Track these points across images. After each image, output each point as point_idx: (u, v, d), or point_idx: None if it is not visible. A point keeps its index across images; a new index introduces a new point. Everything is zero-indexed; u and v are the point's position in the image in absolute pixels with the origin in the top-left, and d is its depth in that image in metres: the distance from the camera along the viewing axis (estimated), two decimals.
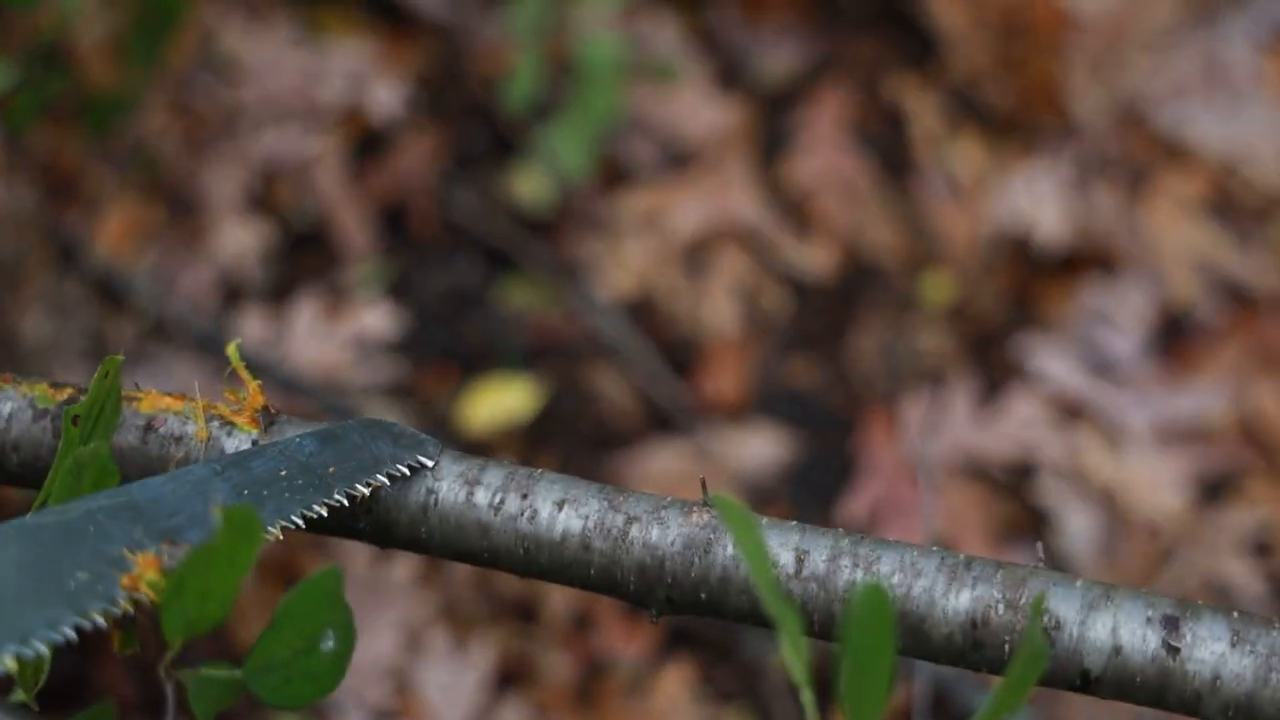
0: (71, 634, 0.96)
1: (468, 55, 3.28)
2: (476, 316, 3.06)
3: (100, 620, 0.98)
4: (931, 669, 2.37)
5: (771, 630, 1.13)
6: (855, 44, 3.36)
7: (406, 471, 1.15)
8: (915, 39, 3.35)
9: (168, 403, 1.24)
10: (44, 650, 0.95)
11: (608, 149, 3.18)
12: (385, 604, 2.63)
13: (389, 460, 1.14)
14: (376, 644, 2.60)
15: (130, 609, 1.00)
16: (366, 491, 1.13)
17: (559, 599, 2.74)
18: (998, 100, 3.26)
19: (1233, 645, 1.07)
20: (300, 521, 1.09)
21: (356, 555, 2.65)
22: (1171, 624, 1.09)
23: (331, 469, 1.12)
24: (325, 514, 1.11)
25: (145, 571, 1.00)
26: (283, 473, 1.11)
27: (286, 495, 1.10)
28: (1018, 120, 3.24)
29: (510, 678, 2.69)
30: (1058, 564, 2.65)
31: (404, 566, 2.70)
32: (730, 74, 3.32)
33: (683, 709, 2.63)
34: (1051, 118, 3.22)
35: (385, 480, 1.14)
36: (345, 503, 1.12)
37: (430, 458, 1.15)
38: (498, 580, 2.74)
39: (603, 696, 2.68)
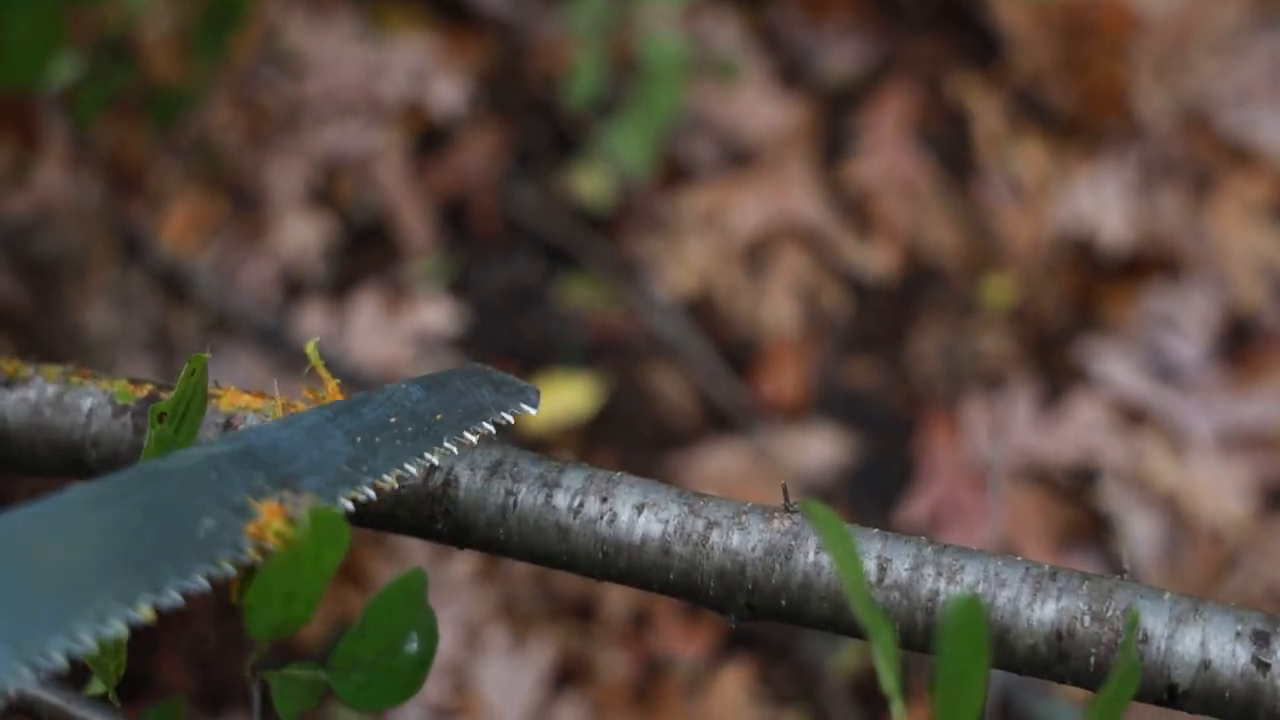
0: (204, 583, 0.96)
1: (529, 52, 3.29)
2: (536, 314, 3.06)
3: (230, 569, 0.98)
4: (998, 674, 2.36)
5: (840, 636, 1.13)
6: (917, 44, 3.35)
7: (511, 420, 1.15)
8: (978, 39, 3.33)
9: (247, 400, 1.24)
10: (178, 599, 0.95)
11: (668, 147, 3.18)
12: (444, 600, 2.63)
13: (493, 408, 1.15)
14: None
15: (258, 557, 0.99)
16: (474, 440, 1.13)
17: (618, 598, 2.74)
18: (1061, 101, 3.24)
19: None
20: (412, 471, 1.09)
21: (415, 551, 2.66)
22: (1262, 639, 1.08)
23: (439, 416, 1.12)
24: (437, 462, 1.11)
25: (271, 520, 1.00)
26: (392, 419, 1.10)
27: (398, 443, 1.09)
28: (1081, 122, 3.22)
29: (568, 676, 2.69)
30: (1118, 570, 2.64)
31: (463, 563, 2.70)
32: (791, 73, 3.31)
33: (741, 710, 2.62)
34: (1116, 119, 3.20)
35: (491, 428, 1.14)
36: (455, 450, 1.11)
37: (533, 406, 1.16)
38: (556, 578, 2.74)
39: (660, 696, 2.67)
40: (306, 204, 3.04)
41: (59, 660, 0.90)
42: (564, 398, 2.92)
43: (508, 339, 3.03)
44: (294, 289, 3.00)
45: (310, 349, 1.22)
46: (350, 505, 1.05)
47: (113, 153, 2.94)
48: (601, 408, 2.95)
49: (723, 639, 2.73)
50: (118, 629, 0.92)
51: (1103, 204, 3.09)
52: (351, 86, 3.12)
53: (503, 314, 3.06)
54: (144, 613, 0.93)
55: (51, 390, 1.27)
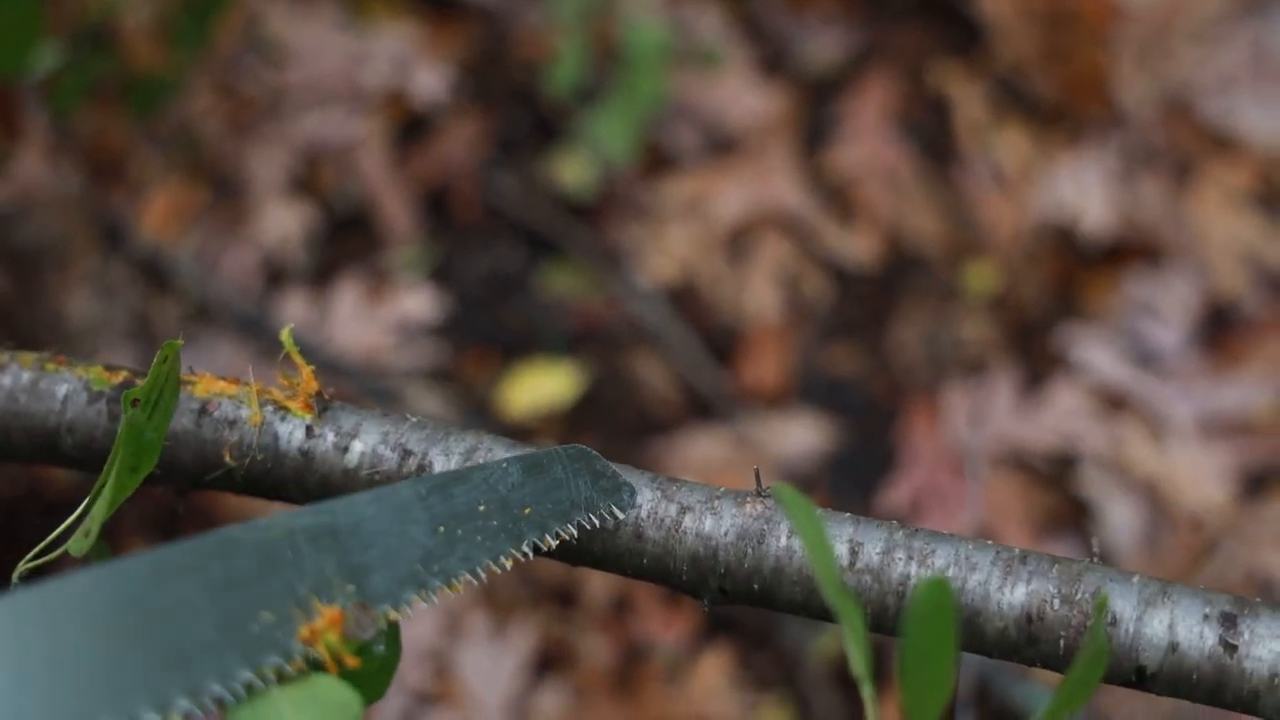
0: (241, 691, 0.93)
1: (511, 40, 3.29)
2: (518, 301, 3.07)
3: (272, 678, 0.95)
4: (974, 658, 2.37)
5: (816, 620, 1.13)
6: (900, 32, 3.35)
7: (596, 524, 1.13)
8: (960, 28, 3.34)
9: (222, 387, 1.24)
10: (211, 709, 0.92)
11: (650, 135, 3.18)
12: None
13: (583, 506, 1.12)
14: (417, 628, 2.61)
15: (302, 668, 0.96)
16: (554, 544, 1.10)
17: (598, 584, 2.74)
18: (1043, 90, 3.25)
19: None
20: (482, 576, 1.06)
21: None
22: (1229, 621, 1.08)
23: (527, 510, 1.09)
24: (507, 567, 1.08)
25: (327, 629, 0.97)
26: (481, 507, 1.08)
27: (478, 538, 1.06)
28: (1063, 110, 3.23)
29: (549, 662, 2.70)
30: (1099, 556, 2.65)
31: None
32: (774, 61, 3.32)
33: (721, 696, 2.63)
34: (1097, 108, 3.21)
35: (573, 533, 1.11)
36: (529, 555, 1.09)
37: (623, 509, 1.14)
38: (538, 565, 2.74)
39: (641, 682, 2.68)
40: (288, 192, 3.04)
41: None
42: (545, 385, 2.93)
43: (489, 327, 3.04)
44: (275, 277, 3.00)
45: (285, 336, 1.22)
46: (410, 612, 1.03)
47: (93, 141, 2.94)
48: (583, 395, 2.95)
49: (703, 625, 2.74)
50: None
51: (1084, 191, 3.10)
52: (333, 75, 3.12)
53: (484, 302, 3.06)
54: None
55: (26, 377, 1.26)
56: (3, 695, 0.86)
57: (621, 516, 1.13)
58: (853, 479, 2.88)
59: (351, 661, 0.97)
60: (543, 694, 2.63)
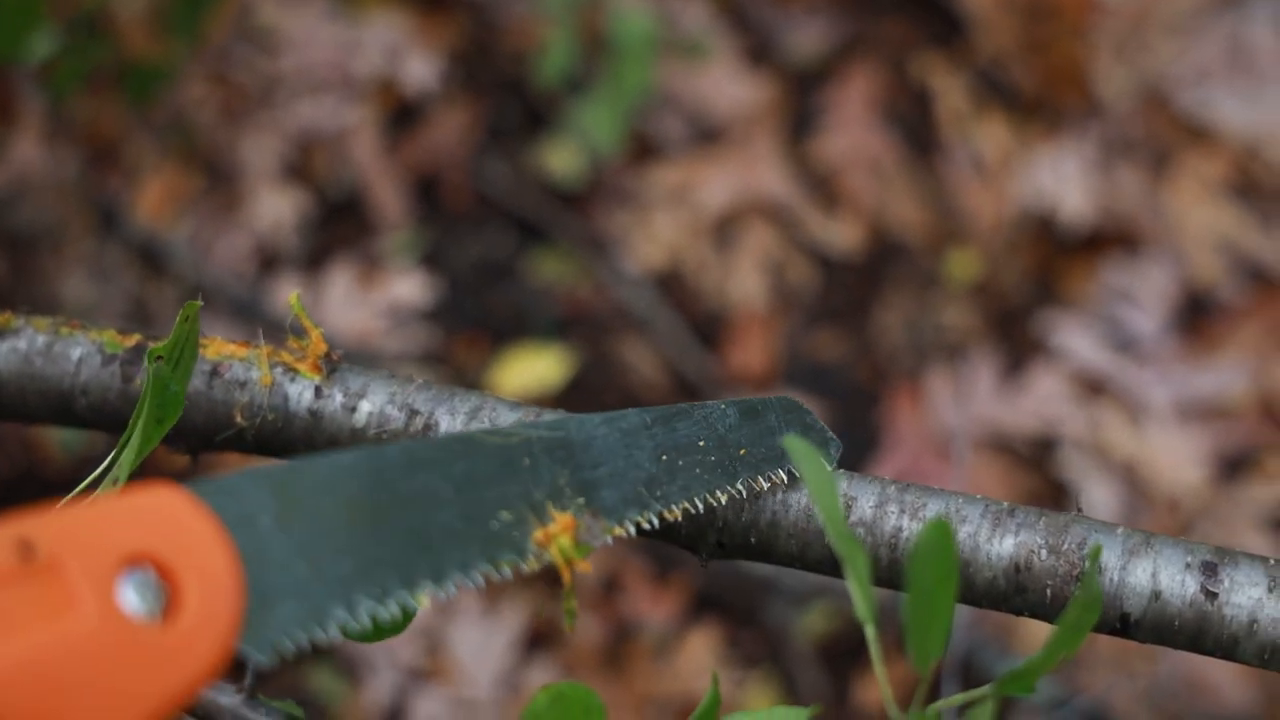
0: (480, 581, 0.97)
1: (500, 30, 3.32)
2: (507, 287, 3.10)
3: (508, 572, 0.98)
4: (959, 634, 2.41)
5: (792, 589, 1.16)
6: (883, 24, 3.39)
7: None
8: (942, 20, 3.38)
9: (233, 349, 1.27)
10: (453, 594, 0.95)
11: (638, 124, 3.21)
12: None
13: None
14: None
15: (536, 567, 1.00)
16: (766, 486, 1.14)
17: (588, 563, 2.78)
18: (1023, 81, 3.28)
19: (1270, 590, 1.10)
20: (699, 505, 1.10)
21: None
22: (1210, 570, 1.11)
23: (743, 451, 1.13)
24: (723, 501, 1.11)
25: (560, 534, 1.01)
26: (700, 443, 1.11)
27: (697, 471, 1.10)
28: (1043, 101, 3.27)
29: (539, 640, 2.73)
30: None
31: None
32: (759, 51, 3.35)
33: (708, 673, 2.66)
34: (1076, 99, 3.25)
35: (785, 478, 1.15)
36: (743, 494, 1.13)
37: (830, 463, 1.17)
38: None
39: (630, 659, 2.72)
40: (281, 179, 3.06)
41: (334, 632, 0.90)
42: (534, 369, 2.96)
43: (479, 312, 3.07)
44: (268, 262, 3.03)
45: (293, 299, 1.26)
46: (633, 530, 1.06)
47: (89, 127, 2.96)
48: (572, 379, 2.98)
49: (691, 603, 2.77)
50: (393, 613, 0.92)
51: (1063, 181, 3.13)
52: (325, 63, 3.15)
53: (474, 288, 3.09)
54: (421, 602, 0.94)
55: (41, 340, 1.29)
56: (273, 557, 0.89)
57: (830, 469, 1.16)
58: (838, 462, 2.92)
59: (583, 566, 1.01)
60: (533, 671, 2.67)
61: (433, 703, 2.63)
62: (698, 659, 2.68)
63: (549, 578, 2.79)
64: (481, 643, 2.65)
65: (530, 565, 0.99)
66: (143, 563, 0.82)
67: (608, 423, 1.08)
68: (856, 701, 2.71)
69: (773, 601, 2.73)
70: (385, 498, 0.95)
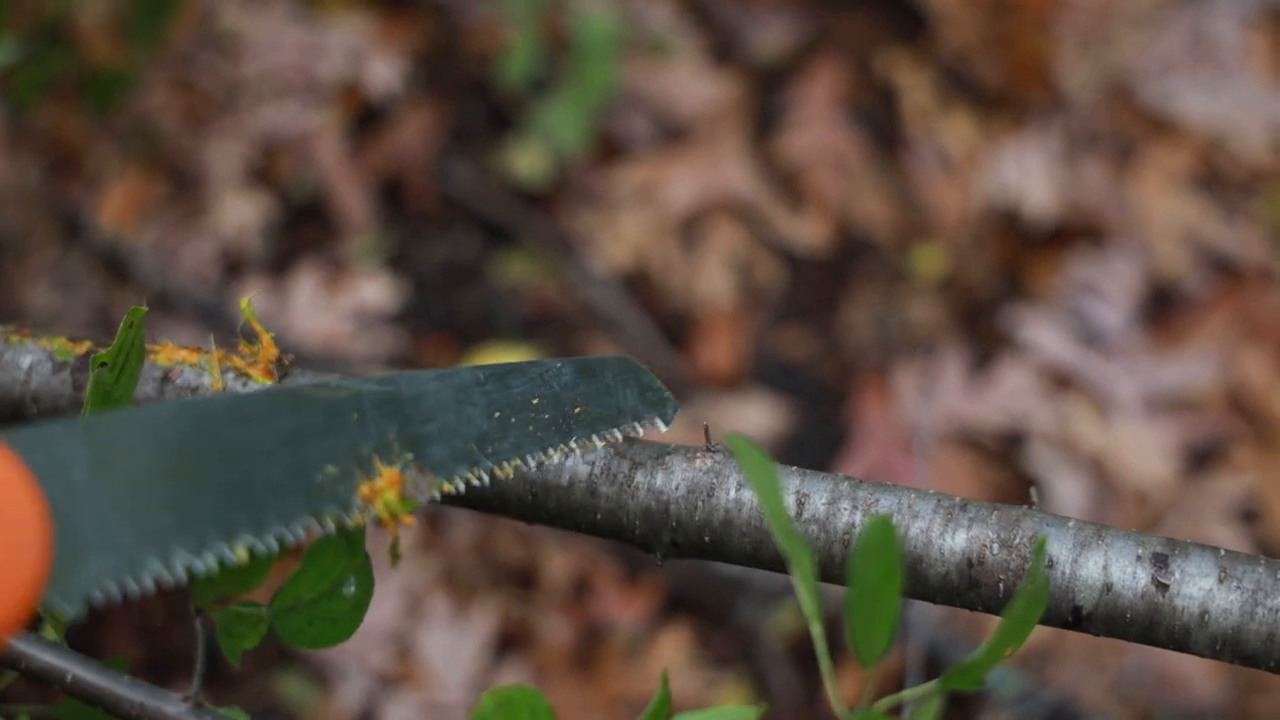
0: (301, 534, 0.97)
1: (464, 32, 3.31)
2: (474, 288, 3.10)
3: (330, 526, 0.98)
4: (925, 631, 2.41)
5: (762, 589, 1.16)
6: (847, 20, 3.39)
7: (640, 432, 1.16)
8: (906, 16, 3.38)
9: (184, 355, 1.26)
10: (274, 547, 0.95)
11: (603, 123, 3.21)
12: (387, 570, 2.66)
13: (629, 415, 1.15)
14: (379, 609, 2.63)
15: (362, 522, 1.00)
16: (599, 445, 1.14)
17: (558, 565, 2.78)
18: (988, 76, 3.29)
19: (1220, 581, 1.10)
20: (530, 464, 1.09)
21: None
22: (1161, 561, 1.12)
23: (578, 409, 1.13)
24: (554, 460, 1.11)
25: (386, 488, 1.01)
26: (535, 400, 1.11)
27: (530, 429, 1.10)
28: (1007, 95, 3.28)
29: (510, 642, 2.73)
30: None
31: (405, 533, 2.73)
32: (724, 50, 3.35)
33: (679, 673, 2.67)
34: (1040, 93, 3.26)
35: (619, 437, 1.15)
36: (575, 451, 1.12)
37: (666, 422, 1.17)
38: (498, 546, 2.77)
39: (600, 661, 2.71)
40: (245, 183, 3.06)
41: (147, 584, 0.90)
42: None
43: (445, 313, 3.07)
44: (234, 267, 3.02)
45: (244, 305, 1.25)
46: (462, 487, 1.06)
47: (51, 135, 2.95)
48: None
49: (662, 604, 2.77)
50: (209, 565, 0.92)
51: (1028, 175, 3.14)
52: (289, 67, 3.14)
53: (441, 289, 3.09)
54: (240, 554, 0.94)
55: None
56: (85, 507, 0.88)
57: (665, 428, 1.17)
58: (806, 458, 2.92)
59: (408, 521, 1.01)
60: (504, 674, 2.66)
61: (403, 708, 2.63)
62: (669, 659, 2.68)
63: (519, 580, 2.79)
64: (452, 646, 2.64)
65: (355, 519, 0.99)
66: None
67: (440, 379, 1.08)
68: (829, 699, 2.71)
69: (743, 601, 2.74)
70: (206, 449, 0.95)
